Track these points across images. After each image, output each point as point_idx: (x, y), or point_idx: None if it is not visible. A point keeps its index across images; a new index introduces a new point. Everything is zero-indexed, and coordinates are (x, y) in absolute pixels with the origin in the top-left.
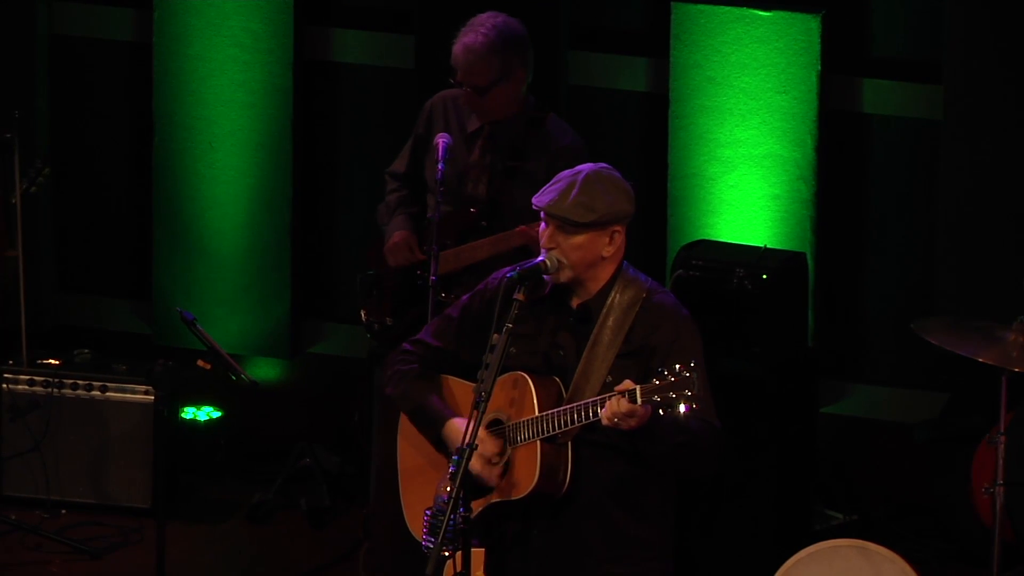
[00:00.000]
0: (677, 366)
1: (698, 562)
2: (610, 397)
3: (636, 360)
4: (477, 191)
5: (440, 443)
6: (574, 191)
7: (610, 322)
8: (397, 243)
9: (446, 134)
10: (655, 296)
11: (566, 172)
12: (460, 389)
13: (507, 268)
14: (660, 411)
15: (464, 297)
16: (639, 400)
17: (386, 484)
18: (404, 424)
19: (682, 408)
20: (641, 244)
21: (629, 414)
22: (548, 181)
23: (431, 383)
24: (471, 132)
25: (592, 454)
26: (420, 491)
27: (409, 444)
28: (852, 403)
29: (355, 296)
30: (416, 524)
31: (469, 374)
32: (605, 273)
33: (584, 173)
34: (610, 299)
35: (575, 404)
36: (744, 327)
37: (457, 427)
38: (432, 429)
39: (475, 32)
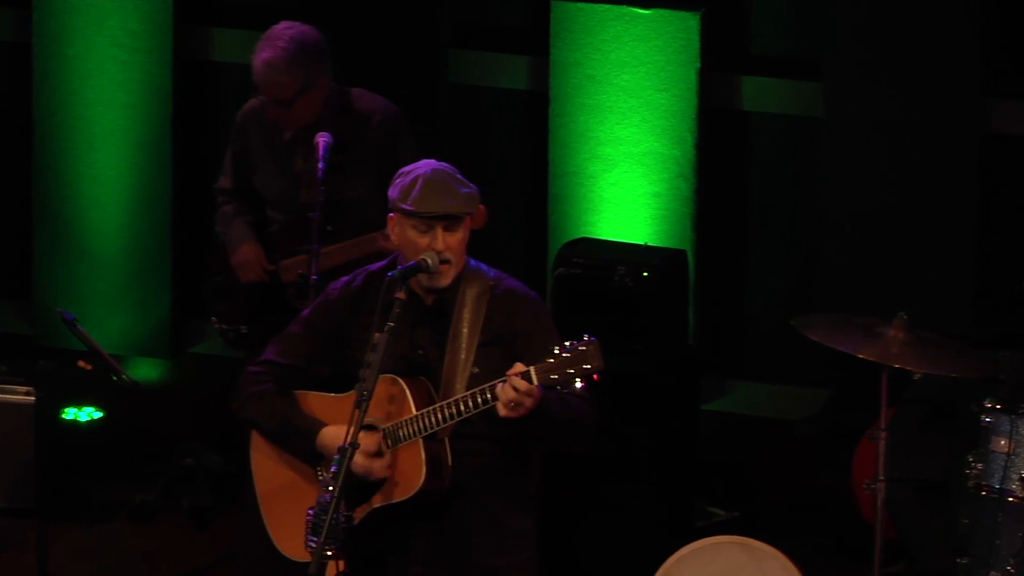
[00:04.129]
0: (569, 342)
1: (581, 559)
2: (503, 382)
3: (500, 348)
4: (312, 197)
5: (313, 456)
6: (451, 185)
7: (465, 314)
8: (248, 260)
9: (327, 133)
10: (503, 283)
11: (418, 172)
12: (318, 402)
13: (345, 277)
14: (558, 387)
15: (305, 311)
16: (535, 380)
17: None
18: (259, 447)
19: (578, 384)
20: (522, 242)
21: (527, 394)
22: (380, 162)
23: (290, 400)
24: (288, 141)
25: (468, 447)
26: (290, 510)
27: (269, 465)
28: (733, 400)
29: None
30: (288, 544)
31: (322, 388)
32: (459, 266)
33: (438, 166)
34: (461, 291)
35: (462, 395)
36: (625, 325)
37: (332, 434)
38: (304, 442)
39: (272, 47)
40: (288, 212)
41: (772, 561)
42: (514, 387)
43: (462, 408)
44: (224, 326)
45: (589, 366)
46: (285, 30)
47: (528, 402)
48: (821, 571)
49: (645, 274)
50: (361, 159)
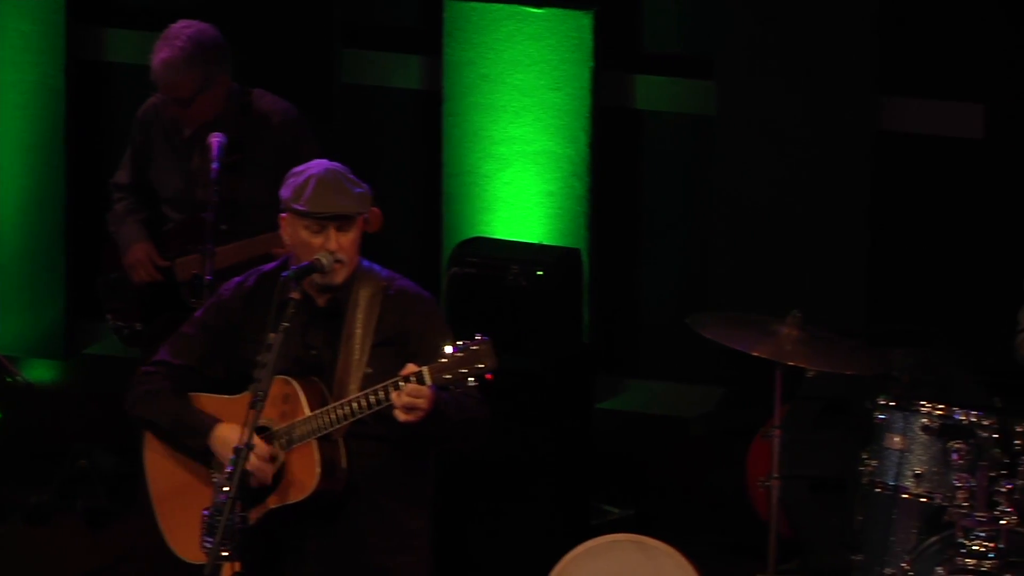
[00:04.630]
0: (462, 342)
1: (477, 559)
2: (395, 382)
3: (393, 348)
4: (208, 195)
5: (207, 453)
6: (344, 185)
7: (359, 314)
8: (139, 259)
9: (220, 134)
10: (396, 283)
11: (310, 172)
12: (212, 404)
13: (237, 278)
14: (451, 387)
15: (198, 312)
16: (428, 380)
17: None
18: (153, 447)
19: (471, 382)
20: (416, 242)
21: (421, 395)
22: (278, 163)
23: (184, 399)
24: (187, 139)
25: (362, 447)
26: (185, 511)
27: (163, 466)
28: (628, 398)
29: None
30: (183, 546)
31: (215, 390)
32: (352, 267)
33: (331, 166)
34: (354, 292)
35: (355, 396)
36: (520, 324)
37: (225, 432)
38: (197, 439)
39: (171, 46)
40: (183, 210)
41: (667, 559)
42: (407, 390)
43: (355, 408)
44: (119, 323)
45: (482, 365)
46: (183, 29)
47: (422, 403)
48: (716, 569)
49: (539, 273)
50: (259, 160)
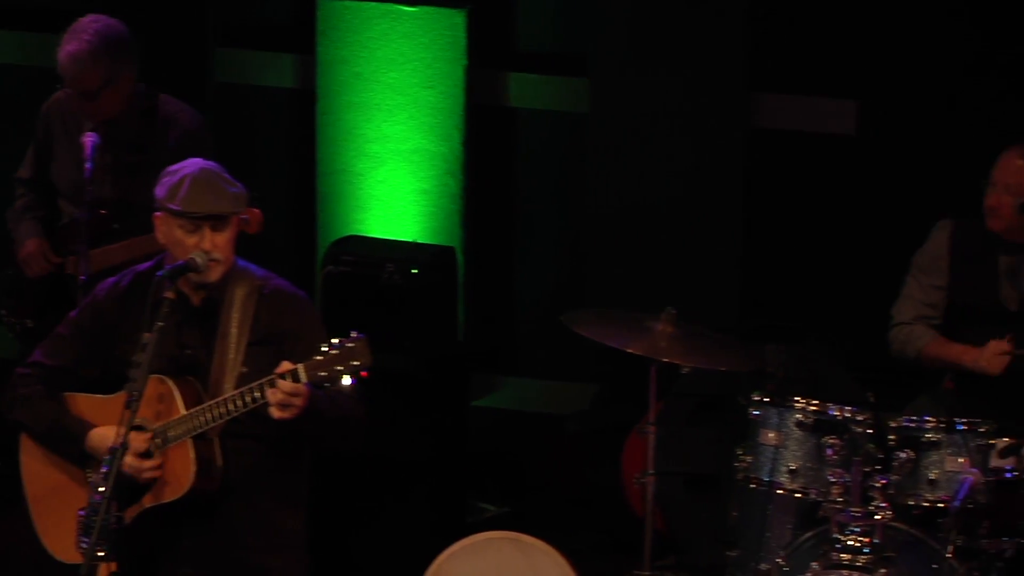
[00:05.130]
0: (337, 339)
1: (353, 557)
2: (270, 380)
3: (268, 347)
4: (103, 192)
5: (83, 457)
6: (219, 185)
7: (234, 314)
8: (31, 253)
9: (94, 134)
10: (271, 282)
11: (185, 171)
12: (87, 404)
13: (112, 278)
14: (325, 385)
15: (72, 313)
16: (303, 378)
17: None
18: (28, 450)
19: (347, 380)
20: (291, 241)
21: (296, 393)
22: None
23: (59, 402)
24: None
25: (238, 446)
26: (60, 512)
27: (39, 468)
28: (504, 396)
29: None
30: (59, 546)
31: (92, 389)
32: (227, 266)
33: (206, 165)
34: (229, 291)
35: (230, 395)
36: (395, 322)
37: (102, 434)
38: (73, 444)
39: (78, 39)
40: (79, 206)
41: (543, 556)
42: (282, 388)
43: (231, 408)
44: (12, 319)
45: (357, 362)
46: (91, 23)
47: (297, 401)
48: (592, 565)
49: (414, 271)
50: (159, 162)
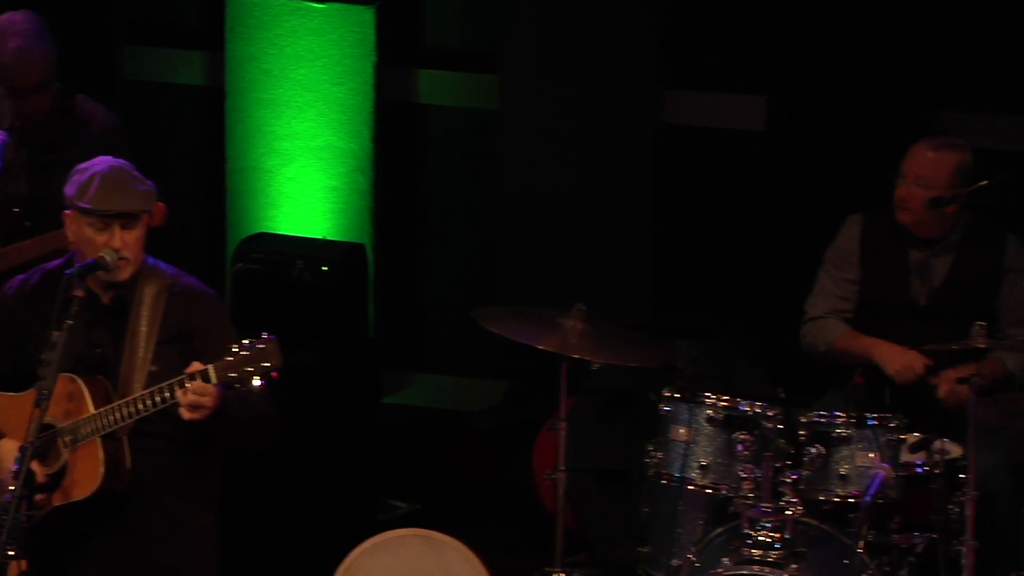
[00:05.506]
0: (248, 340)
1: (265, 555)
2: (180, 380)
3: (178, 346)
4: (18, 189)
5: None
6: (129, 183)
7: (144, 312)
8: None
9: (3, 132)
10: (181, 281)
11: (95, 169)
12: None
13: (21, 276)
14: (236, 386)
15: None
16: (214, 379)
17: None
18: None
19: (257, 381)
20: (200, 238)
21: (206, 393)
22: None
23: None
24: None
25: (147, 445)
26: None
27: None
28: (414, 393)
29: None
30: None
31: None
32: (137, 264)
33: (116, 163)
34: (139, 290)
35: (140, 394)
36: (305, 319)
37: (7, 449)
38: None
39: (18, 36)
40: None
41: (454, 553)
42: (193, 388)
43: (140, 407)
44: None
45: (268, 364)
46: (23, 20)
47: (208, 401)
48: (503, 562)
49: (324, 268)
50: (74, 161)
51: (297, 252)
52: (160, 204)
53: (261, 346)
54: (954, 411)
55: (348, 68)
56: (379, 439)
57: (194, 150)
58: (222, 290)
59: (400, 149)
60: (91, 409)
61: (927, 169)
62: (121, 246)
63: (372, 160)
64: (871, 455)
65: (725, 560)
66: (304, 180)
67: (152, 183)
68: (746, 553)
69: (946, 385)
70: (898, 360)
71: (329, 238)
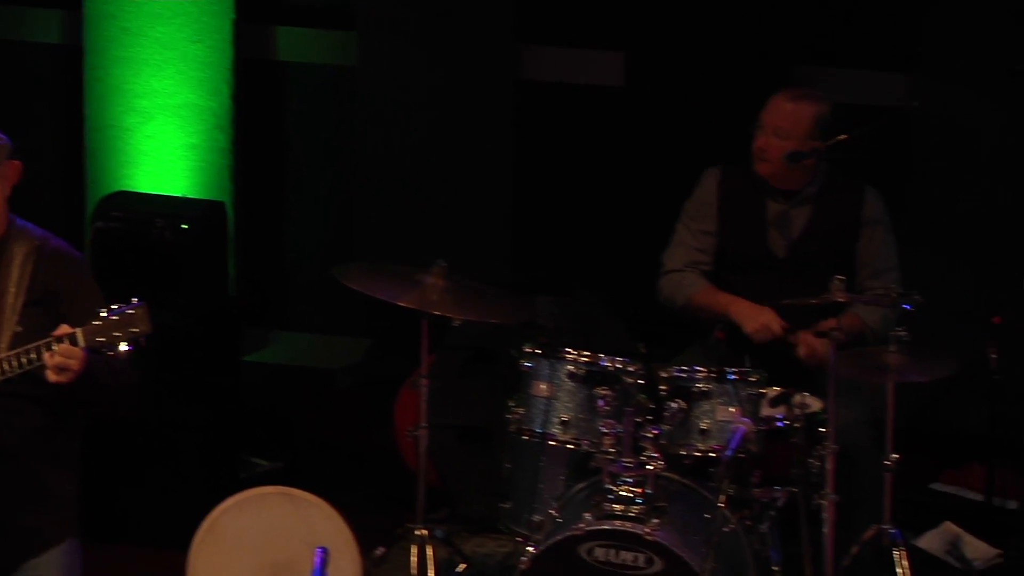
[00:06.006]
0: (117, 305)
1: (128, 516)
2: (48, 343)
3: (44, 307)
4: None
5: None
6: None
7: (12, 272)
8: None
9: None
10: (50, 243)
11: None
12: None
13: None
14: (103, 350)
15: None
16: (81, 343)
17: None
18: None
19: (124, 347)
20: (59, 197)
21: (73, 356)
22: None
23: None
24: None
25: (10, 406)
26: None
27: None
28: (275, 351)
29: None
30: None
31: None
32: (2, 224)
33: None
34: (7, 250)
35: (5, 355)
36: (166, 278)
37: None
38: None
39: None
40: None
41: (316, 511)
42: (59, 351)
43: (5, 368)
44: None
45: (136, 330)
46: None
47: (74, 364)
48: (365, 519)
49: (184, 226)
50: None
51: (157, 210)
52: (15, 162)
53: (130, 311)
54: (814, 368)
55: (206, 25)
56: (240, 397)
57: (52, 109)
58: (81, 249)
59: (259, 106)
60: None
61: (785, 120)
62: None
63: (231, 117)
64: (731, 410)
65: (586, 515)
66: (163, 138)
67: (6, 137)
68: (607, 508)
69: (805, 346)
70: (755, 319)
71: (189, 196)
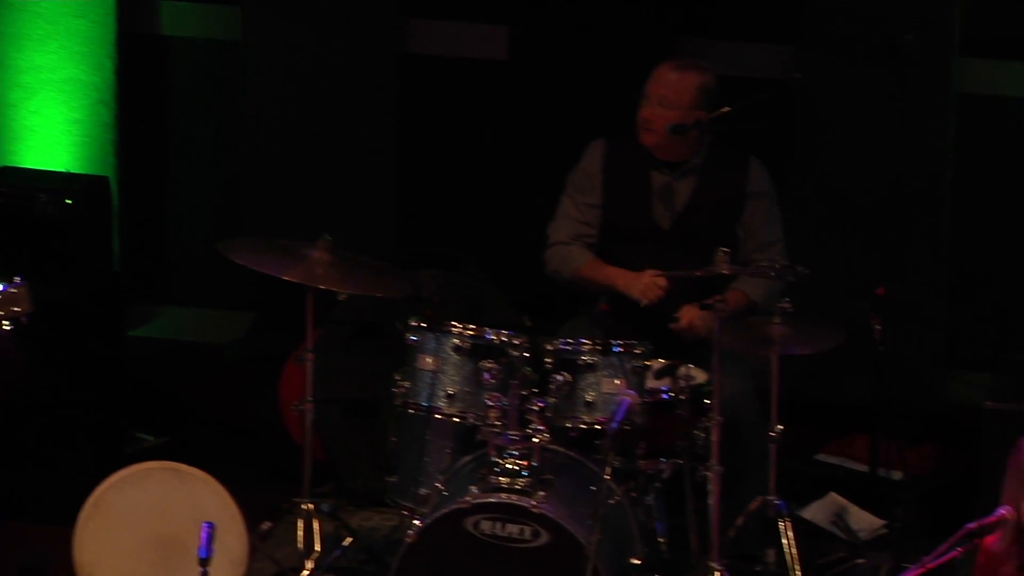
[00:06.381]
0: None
1: (12, 491)
2: None
3: None
4: None
5: None
6: None
7: None
8: None
9: None
10: None
11: None
12: None
13: None
14: None
15: None
16: None
17: None
18: None
19: (6, 326)
20: None
21: None
22: None
23: None
24: None
25: None
26: None
27: None
28: (161, 325)
29: None
30: None
31: None
32: None
33: None
34: None
35: None
36: (50, 253)
37: None
38: None
39: None
40: None
41: (202, 485)
42: None
43: None
44: None
45: (18, 309)
46: None
47: None
48: (251, 494)
49: (68, 201)
50: None
51: (40, 185)
52: None
53: (12, 291)
54: (693, 341)
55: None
56: (125, 372)
57: None
58: None
59: (143, 81)
60: None
61: (670, 90)
62: None
63: (115, 92)
64: (617, 382)
65: (473, 488)
66: (47, 113)
67: None
68: (494, 481)
69: (684, 319)
70: (639, 283)
71: (73, 171)
